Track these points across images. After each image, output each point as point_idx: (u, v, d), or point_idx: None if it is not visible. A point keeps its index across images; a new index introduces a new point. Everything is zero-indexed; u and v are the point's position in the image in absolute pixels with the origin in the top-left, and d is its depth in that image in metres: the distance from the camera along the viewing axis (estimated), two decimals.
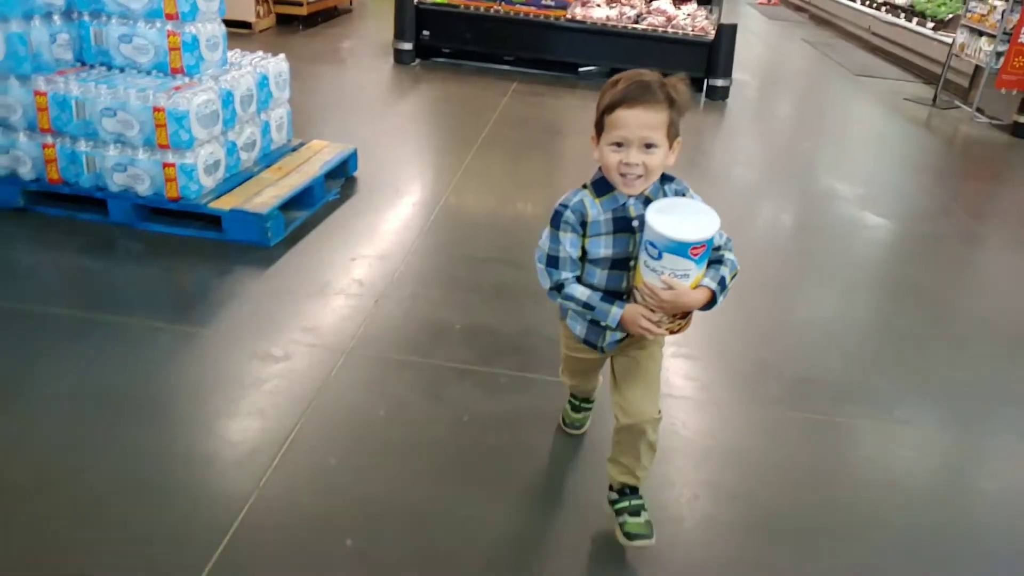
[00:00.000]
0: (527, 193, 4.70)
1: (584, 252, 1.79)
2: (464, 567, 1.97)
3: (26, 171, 3.48)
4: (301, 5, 8.63)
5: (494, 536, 2.07)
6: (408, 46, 7.43)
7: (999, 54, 7.29)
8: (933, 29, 9.58)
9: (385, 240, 3.77)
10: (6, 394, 2.42)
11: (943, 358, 3.27)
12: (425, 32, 7.46)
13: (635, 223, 1.75)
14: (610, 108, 1.66)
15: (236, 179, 3.71)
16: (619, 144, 1.66)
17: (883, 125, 7.60)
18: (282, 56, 4.17)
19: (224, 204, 3.46)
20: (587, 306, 1.80)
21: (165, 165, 3.36)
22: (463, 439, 2.42)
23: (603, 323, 1.81)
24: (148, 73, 3.51)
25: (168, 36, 3.43)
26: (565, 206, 1.77)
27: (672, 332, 1.79)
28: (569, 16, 7.39)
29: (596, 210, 1.75)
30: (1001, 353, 3.35)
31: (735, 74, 7.50)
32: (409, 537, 2.03)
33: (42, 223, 3.50)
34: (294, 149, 4.24)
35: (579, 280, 1.83)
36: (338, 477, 2.22)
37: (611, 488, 2.04)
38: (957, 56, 8.10)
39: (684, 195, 1.78)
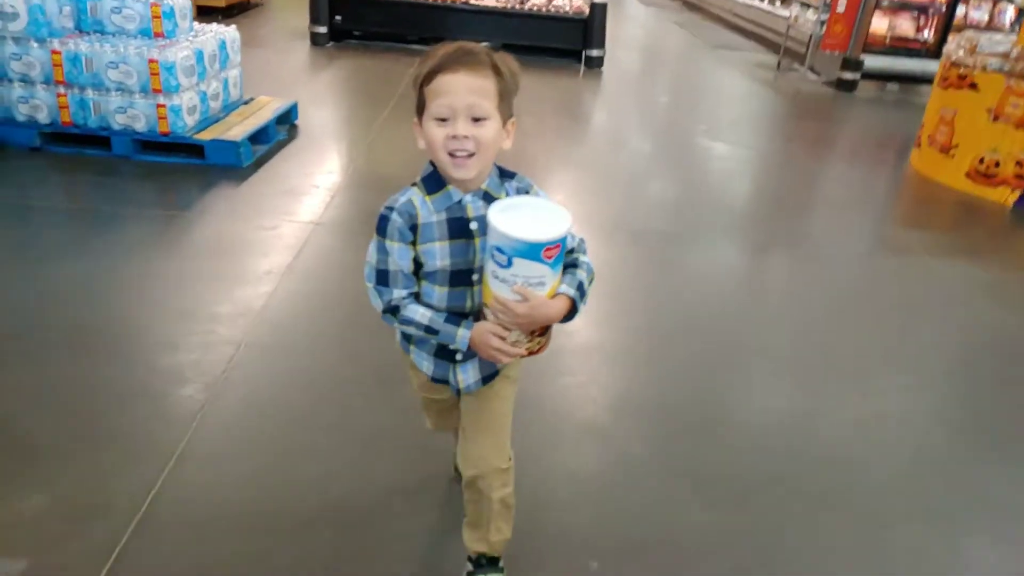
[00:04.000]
0: None
1: (418, 265, 1.53)
2: None
3: (43, 116, 4.39)
4: None
5: None
6: (323, 29, 8.44)
7: (823, 22, 8.85)
8: (781, 4, 11.20)
9: (330, 162, 4.88)
10: (37, 255, 3.41)
11: (742, 210, 4.60)
12: (337, 17, 8.47)
13: (474, 225, 1.50)
14: (430, 76, 1.41)
15: (208, 121, 4.71)
16: (444, 119, 1.41)
17: (736, 86, 9.07)
18: (234, 26, 5.17)
19: (205, 136, 4.47)
20: (429, 330, 1.53)
21: (158, 106, 4.34)
22: None
23: (452, 346, 1.56)
24: (135, 37, 4.46)
25: (151, 7, 4.40)
26: (391, 208, 1.49)
27: (531, 352, 1.53)
28: (464, 0, 8.55)
29: (427, 210, 1.49)
30: (775, 211, 4.73)
31: (613, 51, 8.83)
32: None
33: (56, 158, 4.42)
34: (247, 102, 5.24)
35: (418, 299, 1.56)
36: (327, 287, 3.32)
37: (468, 559, 1.84)
38: (793, 27, 9.68)
39: (528, 192, 1.55)
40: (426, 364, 1.67)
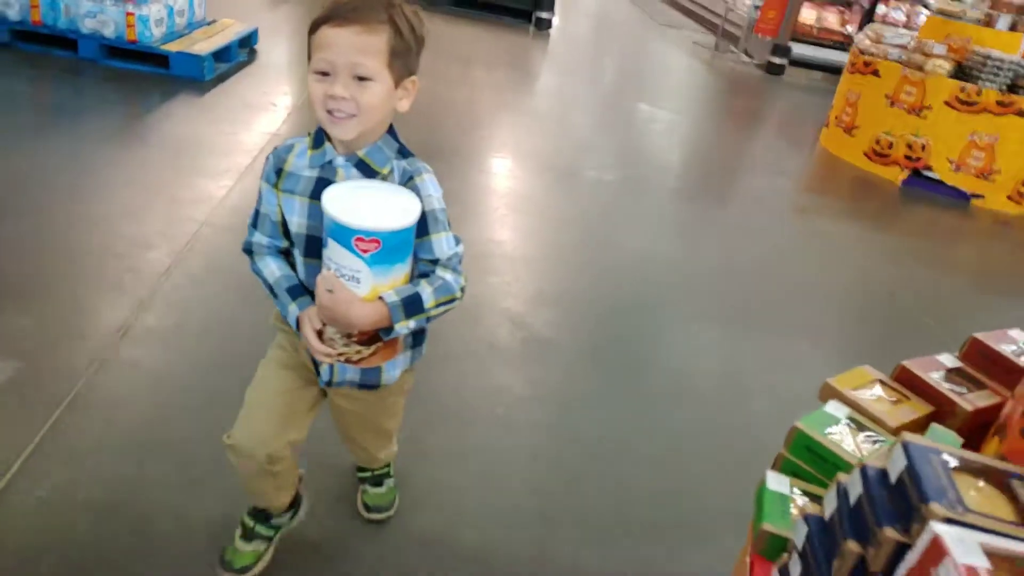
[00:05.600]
0: None
1: (287, 228, 1.43)
2: None
3: (13, 13, 4.56)
4: None
5: None
6: None
7: (757, 8, 9.41)
8: None
9: (285, 84, 5.17)
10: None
11: (665, 165, 5.10)
12: None
13: None
14: (314, 26, 1.31)
15: (174, 35, 4.94)
16: (325, 73, 1.29)
17: (675, 60, 9.58)
18: None
19: (171, 47, 4.71)
20: (272, 291, 1.45)
21: (127, 14, 4.56)
22: None
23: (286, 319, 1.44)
24: None
25: None
26: (274, 150, 1.43)
27: (348, 360, 1.36)
28: None
29: (302, 161, 1.39)
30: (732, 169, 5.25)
31: (564, 18, 9.22)
32: None
33: (24, 55, 4.61)
34: (210, 23, 5.46)
35: (287, 257, 1.47)
36: None
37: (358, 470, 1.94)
38: (731, 10, 10.23)
39: (412, 179, 1.37)
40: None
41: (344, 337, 1.33)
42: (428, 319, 1.36)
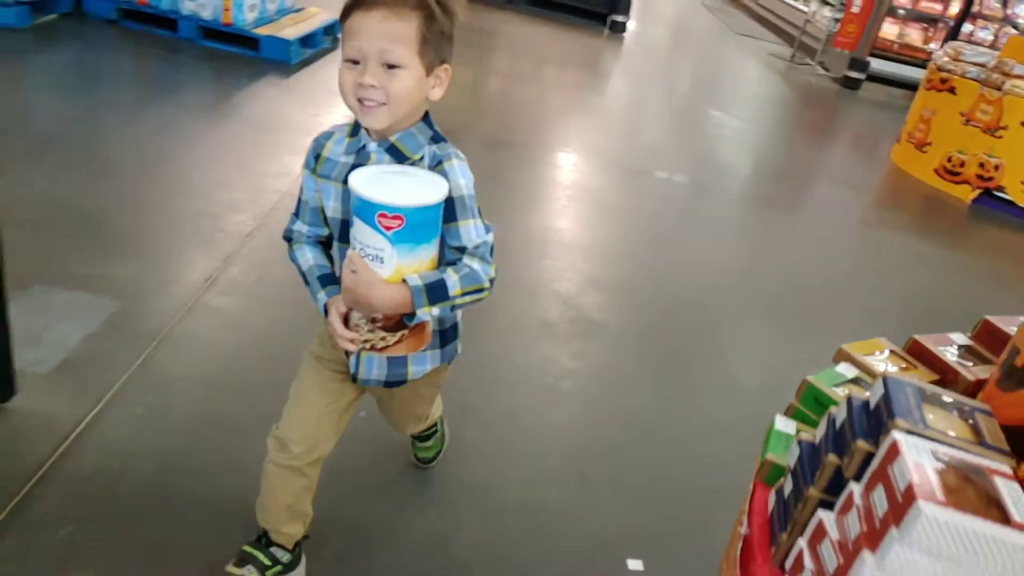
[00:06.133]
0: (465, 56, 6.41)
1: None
2: None
3: None
4: None
5: None
6: None
7: (836, 20, 9.34)
8: (803, 1, 11.66)
9: None
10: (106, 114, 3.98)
11: (733, 170, 5.18)
12: None
13: None
14: (345, 13, 1.29)
15: (264, 20, 5.24)
16: (355, 61, 1.29)
17: (748, 70, 9.57)
18: None
19: (262, 31, 5.00)
20: (305, 279, 1.46)
21: None
22: None
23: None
24: None
25: None
26: (315, 138, 1.44)
27: (373, 348, 1.35)
28: None
29: (339, 147, 1.40)
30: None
31: (639, 22, 9.31)
32: None
33: (128, 33, 4.96)
34: (298, 10, 5.76)
35: (326, 247, 1.49)
36: None
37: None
38: (811, 22, 10.16)
39: (441, 163, 1.35)
40: None
41: (369, 322, 1.31)
42: (453, 308, 1.32)
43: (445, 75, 1.37)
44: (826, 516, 0.88)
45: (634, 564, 1.89)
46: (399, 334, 1.33)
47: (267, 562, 1.58)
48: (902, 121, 6.62)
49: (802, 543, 0.90)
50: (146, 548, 1.69)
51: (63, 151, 3.35)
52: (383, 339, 1.32)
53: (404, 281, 1.26)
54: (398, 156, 1.36)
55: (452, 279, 1.29)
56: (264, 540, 1.60)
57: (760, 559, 0.96)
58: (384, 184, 1.23)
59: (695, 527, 2.06)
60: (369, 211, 1.20)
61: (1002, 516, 0.75)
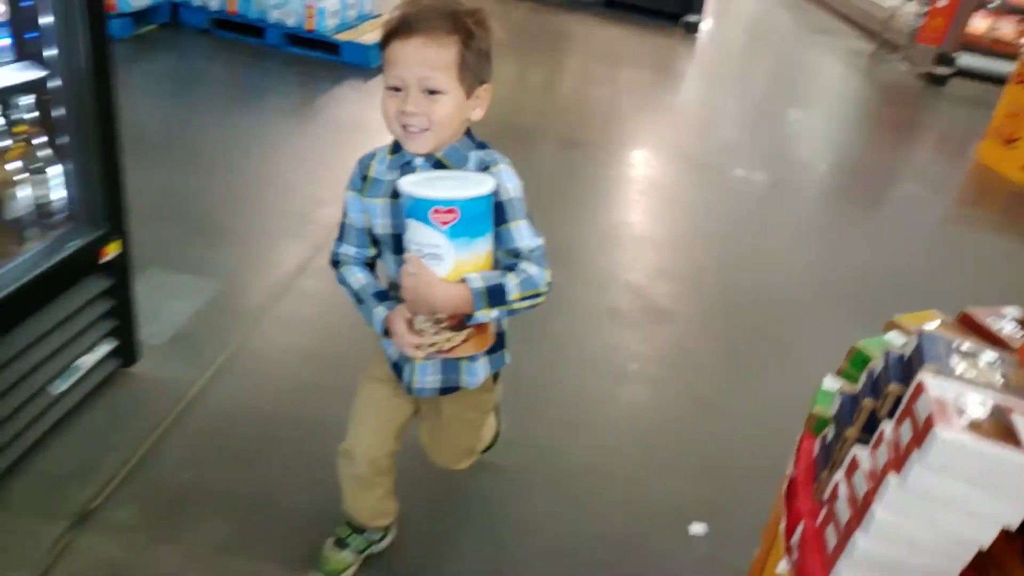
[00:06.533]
0: (534, 63, 6.55)
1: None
2: None
3: (214, 4, 5.27)
4: None
5: None
6: None
7: (922, 15, 9.10)
8: None
9: None
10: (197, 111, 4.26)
11: (811, 167, 5.17)
12: None
13: None
14: (385, 41, 1.32)
15: (345, 26, 5.51)
16: (397, 88, 1.31)
17: (828, 68, 9.42)
18: None
19: (343, 37, 5.28)
20: (358, 298, 1.47)
21: (307, 5, 5.16)
22: None
23: (372, 327, 1.46)
24: None
25: None
26: (359, 160, 1.47)
27: (443, 352, 1.36)
28: None
29: (383, 166, 1.42)
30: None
31: (715, 22, 9.29)
32: None
33: (219, 41, 5.31)
34: (377, 16, 6.02)
35: (372, 269, 1.52)
36: None
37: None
38: (893, 17, 9.92)
39: (487, 168, 1.37)
40: (392, 347, 1.51)
41: (433, 324, 1.31)
42: (511, 312, 1.32)
43: (485, 95, 1.39)
44: (860, 451, 0.97)
45: (697, 528, 1.99)
46: (464, 332, 1.33)
47: (363, 546, 1.77)
48: (990, 117, 6.44)
49: (839, 476, 1.00)
50: (254, 494, 1.91)
51: (167, 150, 3.64)
52: (449, 340, 1.33)
53: (464, 281, 1.27)
54: (440, 168, 1.40)
55: (511, 283, 1.30)
56: (358, 527, 1.77)
57: (803, 495, 1.06)
58: (433, 184, 1.25)
59: (755, 500, 2.13)
60: (423, 209, 1.21)
61: (1017, 444, 0.84)
